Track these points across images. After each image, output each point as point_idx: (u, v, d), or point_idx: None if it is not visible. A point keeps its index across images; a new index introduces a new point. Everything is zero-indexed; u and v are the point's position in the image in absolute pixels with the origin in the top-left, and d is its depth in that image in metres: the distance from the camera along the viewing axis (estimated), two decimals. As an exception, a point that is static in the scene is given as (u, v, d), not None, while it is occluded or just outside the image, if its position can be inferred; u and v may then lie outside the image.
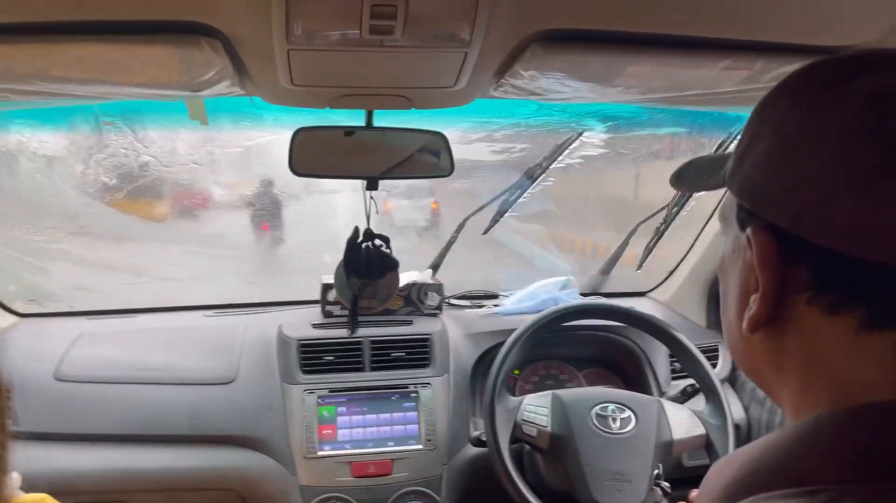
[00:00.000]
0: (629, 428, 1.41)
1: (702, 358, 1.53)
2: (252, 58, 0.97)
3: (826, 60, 0.50)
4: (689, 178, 0.67)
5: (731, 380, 1.83)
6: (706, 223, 1.85)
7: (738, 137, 0.54)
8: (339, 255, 1.96)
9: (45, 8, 0.84)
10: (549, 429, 1.41)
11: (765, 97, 0.53)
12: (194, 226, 1.97)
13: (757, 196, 0.49)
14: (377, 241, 1.29)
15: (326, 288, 1.79)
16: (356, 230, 1.30)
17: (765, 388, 0.56)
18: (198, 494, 1.49)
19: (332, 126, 1.27)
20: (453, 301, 1.98)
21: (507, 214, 1.95)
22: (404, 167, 1.32)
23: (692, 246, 1.95)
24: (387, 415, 1.56)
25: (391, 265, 1.30)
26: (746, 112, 1.19)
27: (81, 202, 1.79)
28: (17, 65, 0.90)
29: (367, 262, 1.29)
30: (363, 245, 1.29)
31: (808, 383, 0.49)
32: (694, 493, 1.36)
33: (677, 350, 1.56)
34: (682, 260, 2.01)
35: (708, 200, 1.88)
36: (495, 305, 1.94)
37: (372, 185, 1.28)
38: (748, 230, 0.50)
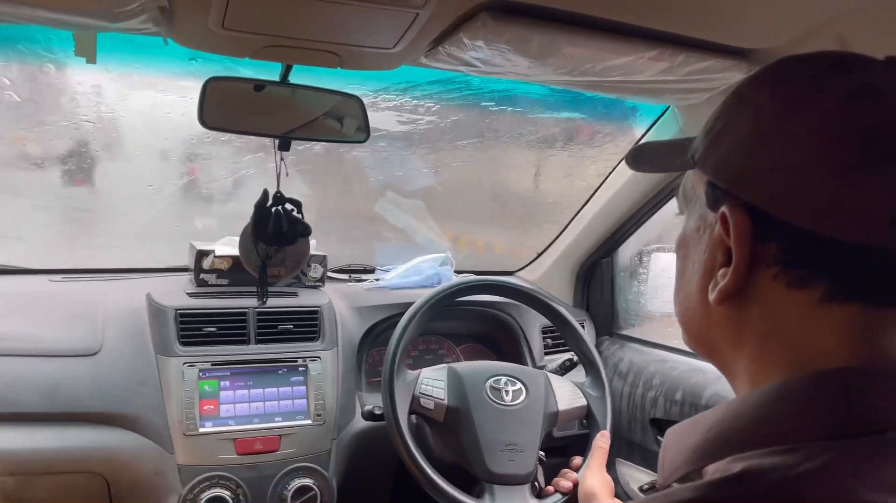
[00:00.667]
0: (520, 400, 1.46)
1: (581, 330, 1.62)
2: (186, -8, 0.87)
3: (800, 56, 0.55)
4: (649, 159, 0.71)
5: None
6: (581, 208, 1.95)
7: (710, 122, 0.57)
8: (212, 220, 1.84)
9: None
10: (446, 401, 1.42)
11: (740, 86, 0.57)
12: (50, 178, 1.74)
13: (734, 176, 0.52)
14: (288, 205, 1.22)
15: (201, 255, 1.67)
16: (265, 193, 1.22)
17: (716, 359, 0.60)
18: (54, 479, 1.33)
19: (243, 78, 1.18)
20: (331, 274, 1.93)
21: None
22: (317, 129, 1.26)
23: (564, 229, 2.05)
24: (273, 390, 1.48)
25: (302, 231, 1.23)
26: (649, 103, 1.27)
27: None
28: None
29: (276, 227, 1.21)
30: (272, 209, 1.21)
31: (766, 352, 0.53)
32: (577, 460, 1.46)
33: (561, 325, 1.63)
34: (552, 242, 2.11)
35: (580, 189, 1.98)
36: (376, 279, 1.92)
37: (284, 146, 1.20)
38: (723, 208, 0.53)
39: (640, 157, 0.72)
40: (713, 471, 0.51)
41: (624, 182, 1.75)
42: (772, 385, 0.51)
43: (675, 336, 1.76)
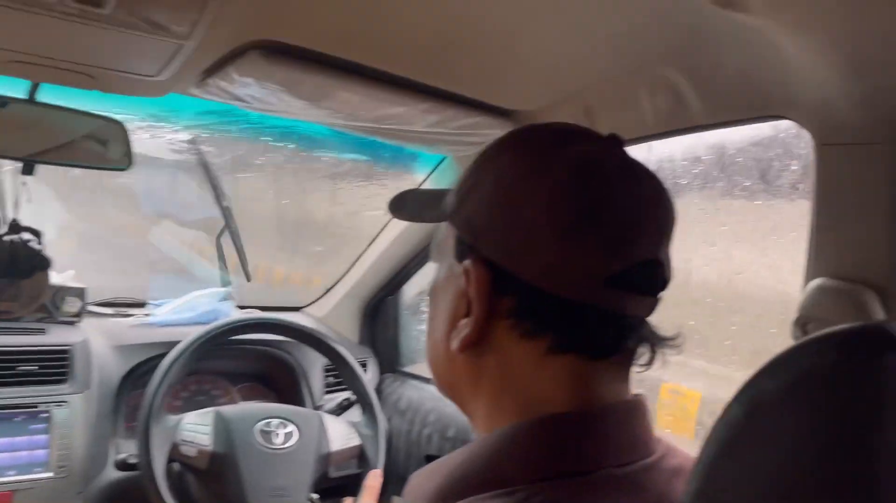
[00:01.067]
0: (292, 442, 1.42)
1: (360, 370, 1.62)
2: None
3: (538, 126, 0.62)
4: (410, 209, 0.74)
5: (377, 392, 1.97)
6: (368, 246, 1.97)
7: (461, 179, 0.61)
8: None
9: None
10: (210, 448, 1.34)
11: (486, 151, 0.61)
12: None
13: (478, 233, 0.56)
14: (25, 235, 1.10)
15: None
16: (-1, 220, 1.09)
17: (460, 403, 0.64)
18: None
19: (-19, 91, 1.05)
20: (94, 309, 1.76)
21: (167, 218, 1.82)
22: (71, 153, 1.15)
23: (352, 266, 2.06)
24: (6, 440, 1.31)
25: (40, 264, 1.11)
26: (426, 152, 1.34)
27: None
28: None
29: (10, 258, 1.08)
30: (6, 239, 1.08)
31: (500, 398, 0.58)
32: (348, 501, 1.44)
33: (338, 363, 1.62)
34: (340, 279, 2.11)
35: (369, 226, 2.01)
36: (145, 315, 1.79)
37: (28, 170, 1.08)
38: (466, 261, 0.56)
39: (402, 205, 0.74)
40: None
41: (408, 223, 1.80)
42: (503, 429, 0.55)
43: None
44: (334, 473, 1.72)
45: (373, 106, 1.12)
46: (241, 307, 1.99)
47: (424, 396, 1.83)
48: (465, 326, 0.57)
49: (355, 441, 1.51)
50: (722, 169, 1.20)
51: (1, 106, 1.05)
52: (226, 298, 1.89)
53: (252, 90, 1.03)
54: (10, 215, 1.09)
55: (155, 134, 1.56)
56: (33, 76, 1.00)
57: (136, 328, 1.69)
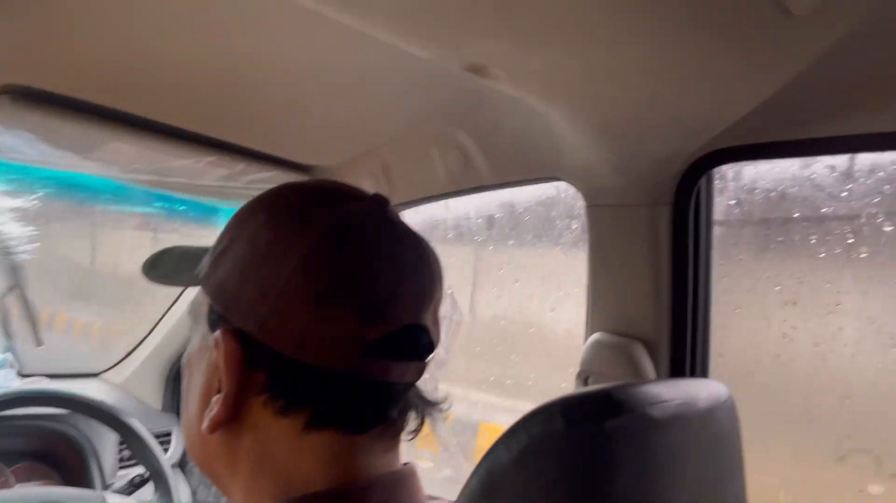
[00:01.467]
0: (65, 531, 1.26)
1: (154, 444, 1.48)
2: None
3: (298, 185, 0.58)
4: (164, 270, 0.67)
5: (182, 464, 1.81)
6: (172, 304, 1.84)
7: (217, 240, 0.56)
8: None
9: None
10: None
11: (242, 209, 0.56)
12: None
13: (228, 300, 0.52)
14: None
15: None
16: None
17: (218, 484, 0.58)
18: None
19: None
20: None
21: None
22: None
23: (154, 327, 1.91)
24: None
25: None
26: (221, 206, 1.26)
27: None
28: None
29: None
30: None
31: (258, 479, 0.53)
32: None
33: (129, 437, 1.47)
34: (141, 341, 1.95)
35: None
36: None
37: None
38: (217, 332, 0.51)
39: (156, 265, 0.66)
40: None
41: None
42: None
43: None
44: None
45: (152, 158, 1.04)
46: (25, 375, 1.77)
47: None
48: (215, 404, 0.51)
49: (143, 523, 1.37)
50: (513, 226, 1.25)
51: None
52: (3, 366, 1.67)
53: (3, 138, 0.93)
54: None
55: None
56: None
57: None
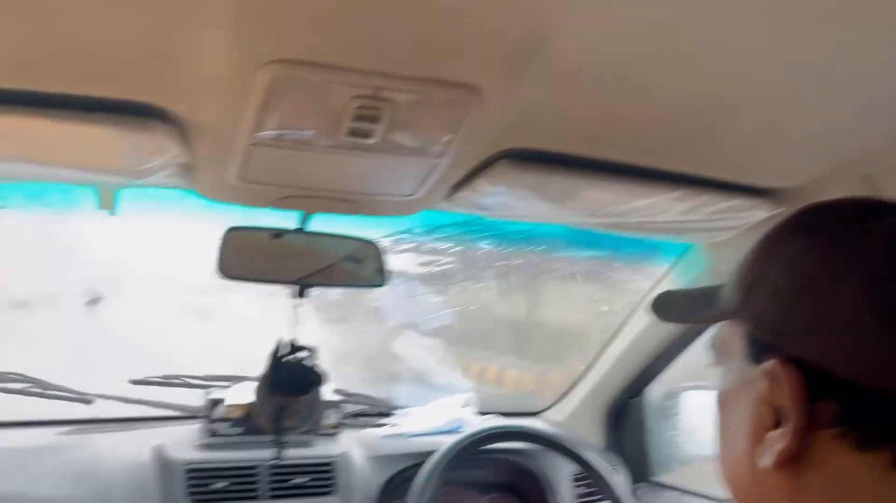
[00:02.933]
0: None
1: (612, 479, 1.52)
2: (205, 149, 0.87)
3: (828, 203, 0.53)
4: (678, 310, 0.68)
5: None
6: (609, 342, 1.88)
7: (741, 272, 0.54)
8: (225, 365, 1.79)
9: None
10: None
11: (769, 234, 0.54)
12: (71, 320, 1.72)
13: (778, 330, 0.49)
14: (301, 353, 1.18)
15: (213, 403, 1.60)
16: (279, 342, 1.18)
17: None
18: None
19: (261, 227, 1.17)
20: (345, 421, 1.84)
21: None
22: (334, 274, 1.23)
23: (591, 365, 1.97)
24: (286, 554, 1.37)
25: (316, 380, 1.18)
26: (672, 241, 1.22)
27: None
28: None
29: (289, 377, 1.16)
30: (285, 358, 1.17)
31: None
32: None
33: (592, 475, 1.53)
34: (578, 379, 2.03)
35: (606, 322, 1.93)
36: (394, 424, 1.83)
37: (301, 293, 1.18)
38: (769, 363, 0.49)
39: (666, 307, 0.69)
40: None
41: (650, 319, 1.70)
42: None
43: (713, 481, 1.64)
44: None
45: (620, 201, 1.08)
46: (482, 413, 1.98)
47: (686, 508, 1.66)
48: (778, 439, 0.48)
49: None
50: None
51: (277, 237, 1.16)
52: (467, 405, 1.89)
53: (499, 198, 1.05)
54: (289, 336, 1.18)
55: (398, 249, 1.65)
56: (304, 207, 1.09)
57: (388, 439, 1.73)
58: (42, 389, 1.55)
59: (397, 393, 2.01)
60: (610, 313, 1.91)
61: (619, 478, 1.83)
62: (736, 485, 0.55)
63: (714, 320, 0.58)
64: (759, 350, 0.51)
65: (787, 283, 0.50)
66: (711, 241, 1.29)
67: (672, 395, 1.85)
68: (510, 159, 0.97)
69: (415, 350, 1.99)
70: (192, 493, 1.37)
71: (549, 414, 2.11)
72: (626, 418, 1.93)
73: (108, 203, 1.11)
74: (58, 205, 1.16)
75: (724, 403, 0.56)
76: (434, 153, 0.90)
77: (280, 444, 1.23)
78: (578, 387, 2.02)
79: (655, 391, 1.88)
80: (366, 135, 0.84)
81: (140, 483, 1.39)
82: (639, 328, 1.73)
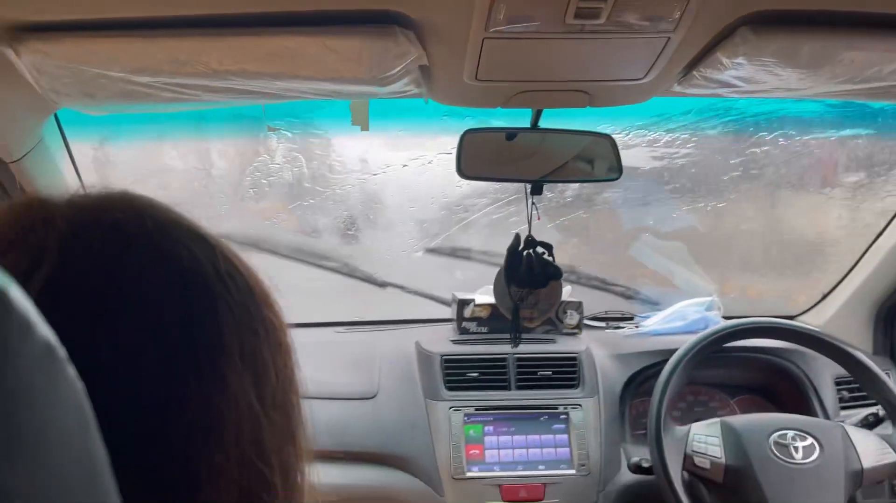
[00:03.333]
0: (813, 457, 1.28)
1: (886, 377, 1.38)
2: (441, 49, 0.93)
3: None
4: None
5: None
6: (875, 239, 1.69)
7: None
8: (471, 272, 1.92)
9: (245, 0, 0.83)
10: (723, 460, 1.29)
11: None
12: (344, 242, 1.97)
13: None
14: (539, 249, 1.23)
15: (463, 304, 1.74)
16: (517, 237, 1.24)
17: None
18: (343, 513, 1.44)
19: (496, 128, 1.23)
20: (589, 322, 1.89)
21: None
22: (570, 171, 1.26)
23: (854, 266, 1.79)
24: (536, 437, 1.47)
25: (554, 274, 1.23)
26: None
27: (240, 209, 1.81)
28: (216, 60, 0.90)
29: (528, 271, 1.22)
30: (524, 252, 1.23)
31: None
32: None
33: (856, 370, 1.41)
34: (840, 280, 1.86)
35: (869, 220, 1.73)
36: (635, 326, 1.84)
37: (536, 190, 1.22)
38: None
39: None
40: None
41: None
42: None
43: None
44: (864, 501, 1.50)
45: (886, 59, 0.95)
46: (726, 317, 1.90)
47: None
48: None
49: (892, 457, 1.29)
50: None
51: (511, 138, 1.21)
52: (712, 308, 1.83)
53: (742, 71, 0.98)
54: (527, 233, 1.23)
55: (630, 144, 1.62)
56: (536, 103, 1.12)
57: (629, 338, 1.75)
58: (350, 271, 1.82)
59: (637, 297, 1.99)
60: (873, 217, 1.69)
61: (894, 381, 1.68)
62: None
63: None
64: None
65: None
66: None
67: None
68: (752, 25, 0.89)
69: (652, 253, 1.95)
70: (449, 381, 1.52)
71: (806, 317, 1.97)
72: (901, 319, 1.73)
73: (360, 118, 1.23)
74: (320, 126, 1.31)
75: None
76: (665, 28, 0.87)
77: (519, 333, 1.31)
78: (841, 286, 1.85)
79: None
80: (593, 15, 0.83)
81: (404, 372, 1.57)
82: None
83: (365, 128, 1.26)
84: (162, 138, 1.62)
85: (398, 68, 0.93)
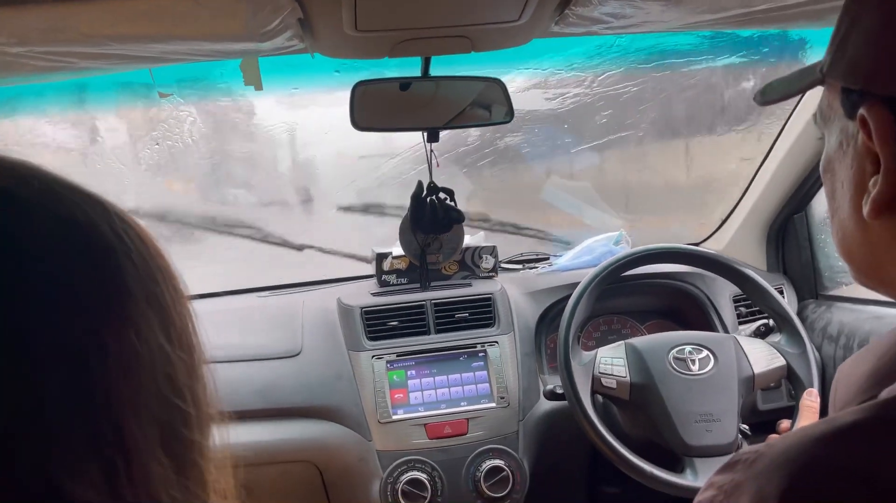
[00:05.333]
0: (709, 367, 1.38)
1: (772, 290, 1.50)
2: (317, 1, 0.95)
3: None
4: (777, 89, 0.65)
5: (801, 319, 1.79)
6: (759, 167, 1.81)
7: (834, 29, 0.52)
8: (389, 229, 1.95)
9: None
10: (628, 378, 1.38)
11: None
12: (252, 207, 1.96)
13: (868, 73, 0.48)
14: (441, 195, 1.27)
15: (381, 257, 1.78)
16: (420, 184, 1.28)
17: (884, 283, 0.55)
18: (276, 468, 1.48)
19: (388, 78, 1.25)
20: (505, 265, 1.95)
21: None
22: (463, 116, 1.30)
23: (745, 192, 1.91)
24: (456, 376, 1.54)
25: (456, 218, 1.28)
26: (816, 27, 1.13)
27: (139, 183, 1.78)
28: (88, 25, 0.89)
29: (432, 216, 1.27)
30: (427, 199, 1.27)
31: None
32: (785, 423, 1.34)
33: (746, 285, 1.53)
34: (733, 209, 1.98)
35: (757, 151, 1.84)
36: (549, 265, 1.92)
37: (432, 137, 1.26)
38: (861, 111, 0.48)
39: (768, 91, 0.67)
40: (886, 394, 0.47)
41: (804, 127, 1.60)
42: None
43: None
44: (763, 405, 1.63)
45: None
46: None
47: (860, 318, 1.61)
48: (873, 186, 0.49)
49: (779, 362, 1.40)
50: None
51: (405, 87, 1.23)
52: (619, 241, 1.92)
53: (609, 7, 1.03)
54: (427, 179, 1.27)
55: (522, 86, 1.67)
56: (420, 51, 1.15)
57: (542, 275, 1.83)
58: (263, 237, 1.84)
59: (550, 238, 2.07)
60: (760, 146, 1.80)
61: (787, 296, 1.81)
62: (846, 246, 0.56)
63: (811, 86, 0.57)
64: (854, 101, 0.50)
65: (877, 24, 0.48)
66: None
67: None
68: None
69: (561, 194, 2.03)
70: (370, 332, 1.57)
71: (707, 243, 2.09)
72: (789, 235, 1.86)
73: (252, 78, 1.23)
74: (214, 88, 1.31)
75: (830, 169, 0.56)
76: (529, -33, 0.91)
77: (427, 277, 1.35)
78: (736, 212, 1.97)
79: (820, 203, 1.79)
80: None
81: (327, 327, 1.61)
82: (793, 137, 1.64)
83: (258, 87, 1.26)
84: (43, 112, 1.58)
85: (275, 23, 0.95)
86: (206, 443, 0.49)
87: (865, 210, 0.50)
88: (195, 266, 1.87)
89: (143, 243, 0.47)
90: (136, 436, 0.42)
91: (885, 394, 0.47)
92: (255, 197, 1.93)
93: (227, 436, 0.54)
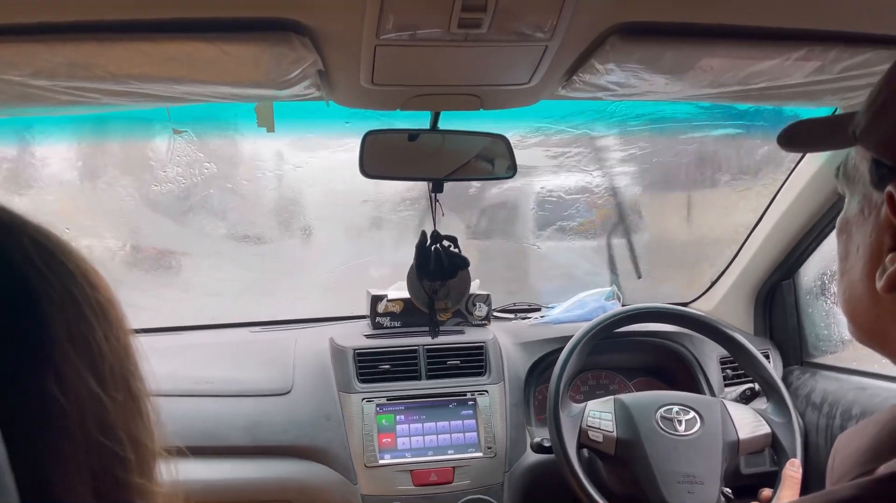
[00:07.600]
0: (695, 429, 1.40)
1: (761, 357, 1.53)
2: (336, 55, 0.99)
3: None
4: (803, 139, 0.67)
5: (786, 385, 1.82)
6: (751, 231, 1.85)
7: (871, 95, 0.54)
8: (385, 269, 1.98)
9: (144, 6, 0.86)
10: (614, 433, 1.39)
11: None
12: (252, 242, 1.99)
13: None
14: (445, 242, 1.30)
15: (376, 299, 1.79)
16: (423, 234, 1.31)
17: (888, 350, 0.56)
18: (256, 508, 1.47)
19: (398, 129, 1.29)
20: (497, 314, 1.98)
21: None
22: (468, 169, 1.33)
23: (736, 255, 1.95)
24: (445, 423, 1.55)
25: (462, 264, 1.31)
26: (808, 107, 1.18)
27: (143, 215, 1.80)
28: (115, 64, 0.92)
29: (437, 264, 1.29)
30: (432, 247, 1.30)
31: None
32: (766, 492, 1.35)
33: (735, 350, 1.55)
34: (724, 270, 2.02)
35: (748, 215, 1.89)
36: (541, 316, 1.94)
37: (437, 188, 1.29)
38: (889, 187, 0.50)
39: (794, 137, 0.67)
40: (883, 469, 0.48)
41: (797, 195, 1.65)
42: None
43: (875, 360, 1.60)
44: (746, 469, 1.64)
45: (739, 66, 1.06)
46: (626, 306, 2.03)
47: (844, 387, 1.63)
48: (892, 262, 0.50)
49: (764, 429, 1.42)
50: None
51: (413, 138, 1.27)
52: (611, 297, 1.95)
53: (615, 76, 1.07)
54: (431, 228, 1.30)
55: (528, 144, 1.72)
56: (431, 106, 1.19)
57: (534, 327, 1.85)
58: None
59: (544, 289, 2.10)
60: (751, 209, 1.85)
61: (773, 361, 1.84)
62: (852, 308, 0.58)
63: (840, 146, 0.58)
64: (882, 174, 0.51)
65: None
66: (849, 103, 1.23)
67: (828, 274, 1.80)
68: (620, 34, 0.99)
69: (557, 247, 2.06)
70: (361, 374, 1.58)
71: (697, 304, 2.12)
72: (777, 301, 1.90)
73: (265, 120, 1.27)
74: (224, 127, 1.34)
75: (848, 230, 0.58)
76: (542, 37, 0.95)
77: (436, 325, 1.38)
78: (725, 275, 2.01)
79: (808, 271, 1.83)
80: (475, 24, 0.90)
81: (318, 367, 1.61)
82: (784, 206, 1.69)
83: (271, 129, 1.30)
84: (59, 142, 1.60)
85: (295, 73, 0.98)
86: (150, 484, 0.45)
87: (880, 284, 0.51)
88: (183, 298, 1.89)
89: (68, 273, 0.42)
90: (64, 487, 0.39)
91: (882, 469, 0.48)
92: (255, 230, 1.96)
93: (177, 472, 0.50)
